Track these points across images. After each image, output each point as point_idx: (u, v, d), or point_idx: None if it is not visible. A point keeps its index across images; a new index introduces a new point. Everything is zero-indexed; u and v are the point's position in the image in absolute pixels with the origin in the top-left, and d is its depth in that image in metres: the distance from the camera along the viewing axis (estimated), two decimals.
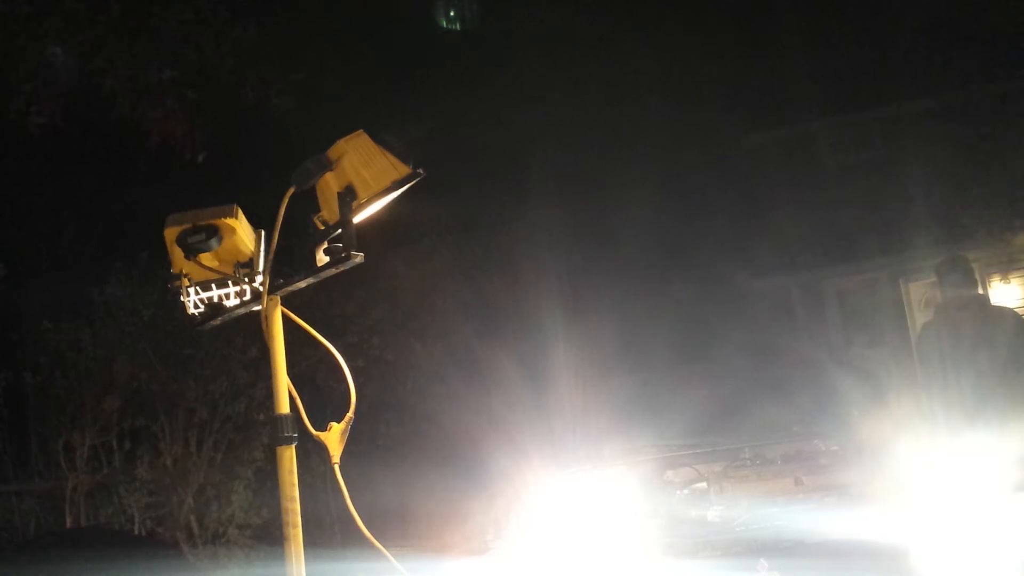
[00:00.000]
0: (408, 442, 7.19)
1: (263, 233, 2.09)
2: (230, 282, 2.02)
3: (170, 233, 1.98)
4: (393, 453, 7.01)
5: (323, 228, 2.00)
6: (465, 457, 6.09)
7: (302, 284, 2.02)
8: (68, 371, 6.18)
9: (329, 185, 1.97)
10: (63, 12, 5.76)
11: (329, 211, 1.99)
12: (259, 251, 2.07)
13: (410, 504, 6.21)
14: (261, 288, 1.99)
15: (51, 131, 5.94)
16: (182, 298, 2.01)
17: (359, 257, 1.92)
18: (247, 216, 2.07)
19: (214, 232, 1.97)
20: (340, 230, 1.94)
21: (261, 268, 2.04)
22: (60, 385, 6.17)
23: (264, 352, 2.46)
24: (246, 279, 2.02)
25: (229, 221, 1.98)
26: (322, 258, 2.00)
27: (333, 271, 1.96)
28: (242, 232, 2.02)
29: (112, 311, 6.39)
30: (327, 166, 1.95)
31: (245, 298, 2.03)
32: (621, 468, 4.08)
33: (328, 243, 1.97)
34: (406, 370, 7.39)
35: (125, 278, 6.42)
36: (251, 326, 2.11)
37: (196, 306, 2.02)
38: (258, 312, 2.01)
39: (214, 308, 2.03)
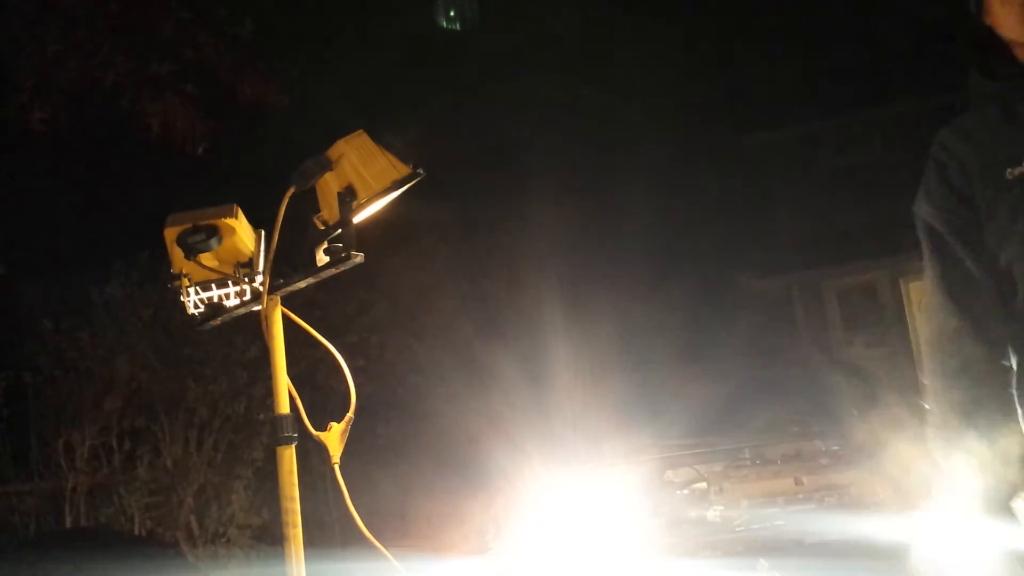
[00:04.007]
0: (408, 442, 7.19)
1: (263, 233, 2.10)
2: (230, 282, 2.02)
3: (170, 233, 1.98)
4: (393, 453, 7.01)
5: (323, 228, 2.00)
6: (465, 457, 6.09)
7: (302, 284, 2.02)
8: (68, 371, 6.18)
9: (329, 185, 1.97)
10: (63, 10, 5.77)
11: (329, 211, 1.99)
12: (259, 251, 2.07)
13: (410, 504, 6.21)
14: (261, 288, 1.99)
15: (53, 127, 5.95)
16: (182, 298, 2.02)
17: (359, 257, 1.92)
18: (247, 216, 2.07)
19: (214, 232, 1.97)
20: (340, 230, 1.95)
21: (261, 268, 2.04)
22: (60, 385, 6.17)
23: (264, 352, 2.47)
24: (246, 279, 2.02)
25: (229, 221, 1.98)
26: (322, 258, 2.00)
27: (333, 271, 1.96)
28: (242, 232, 2.02)
29: (112, 311, 6.39)
30: (327, 166, 1.95)
31: (245, 298, 2.03)
32: (621, 468, 4.08)
33: (328, 243, 1.98)
34: (406, 370, 7.39)
35: (125, 278, 6.42)
36: (251, 326, 2.11)
37: (196, 306, 2.02)
38: (258, 312, 2.01)
39: (214, 308, 2.04)
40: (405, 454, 7.02)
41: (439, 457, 6.63)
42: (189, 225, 1.97)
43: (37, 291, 6.91)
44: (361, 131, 1.97)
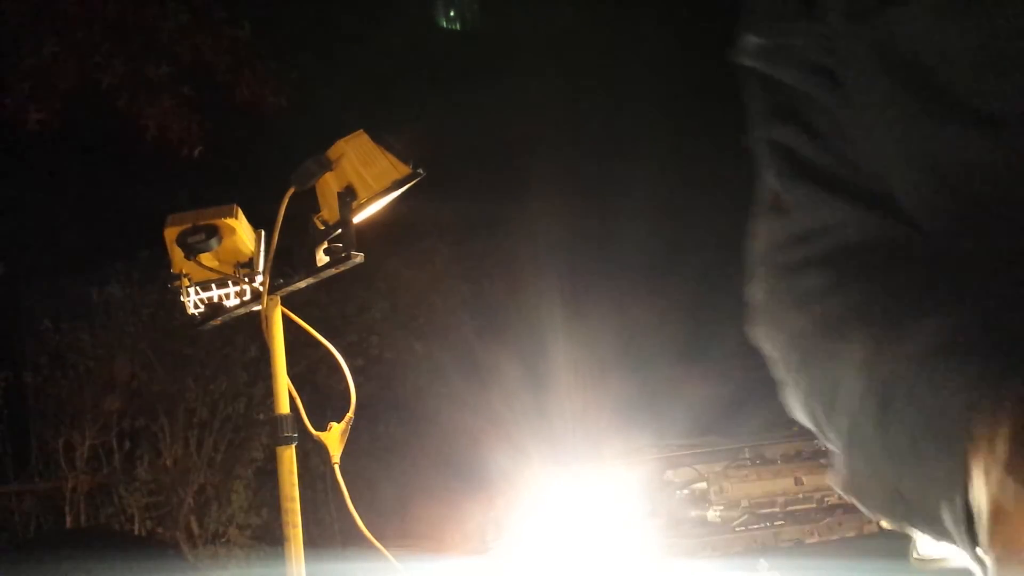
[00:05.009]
0: (408, 442, 7.19)
1: (263, 233, 2.10)
2: (230, 282, 2.02)
3: (170, 233, 1.98)
4: (393, 453, 7.01)
5: (323, 228, 2.00)
6: (465, 456, 6.09)
7: (302, 284, 2.02)
8: (68, 371, 6.18)
9: (329, 185, 1.97)
10: (60, 11, 5.78)
11: (329, 211, 1.99)
12: (259, 251, 2.07)
13: (410, 503, 6.21)
14: (261, 288, 1.99)
15: (50, 129, 5.96)
16: (182, 298, 2.02)
17: (359, 257, 1.93)
18: (247, 216, 2.07)
19: (214, 232, 1.97)
20: (340, 230, 1.95)
21: (261, 268, 2.04)
22: (60, 385, 6.17)
23: (264, 352, 2.47)
24: (246, 279, 2.02)
25: (229, 221, 1.99)
26: (322, 258, 2.00)
27: (333, 271, 1.96)
28: (242, 232, 2.02)
29: (112, 311, 6.39)
30: (327, 166, 1.95)
31: (245, 298, 2.03)
32: (621, 468, 4.08)
33: (328, 243, 1.98)
34: (406, 370, 7.40)
35: (125, 278, 6.42)
36: (251, 326, 2.11)
37: (196, 306, 2.03)
38: (258, 312, 2.01)
39: (214, 308, 2.04)
40: (405, 454, 7.02)
41: (439, 457, 6.63)
42: (189, 225, 1.97)
43: (37, 291, 6.92)
44: (361, 131, 1.98)
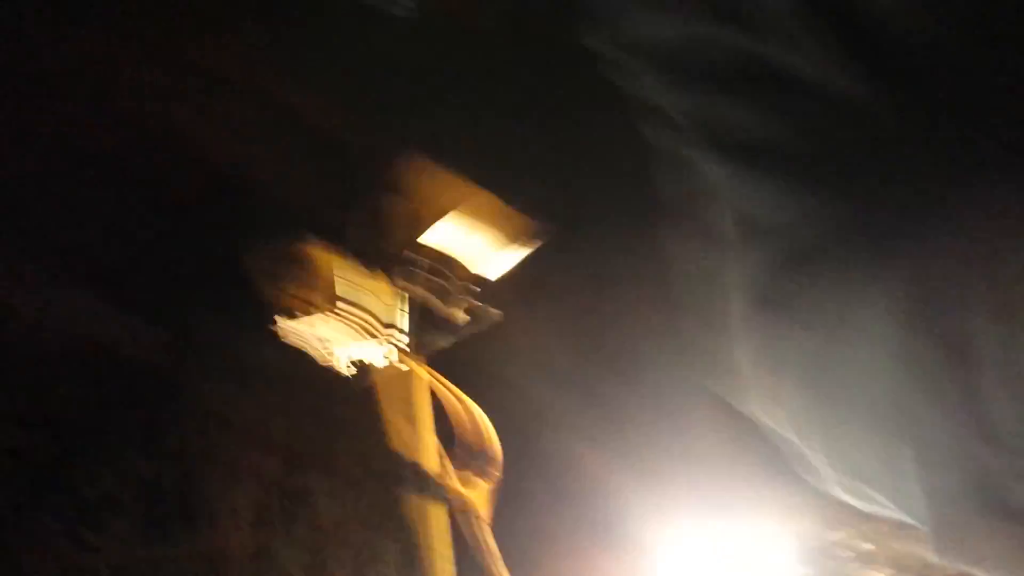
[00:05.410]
0: (535, 491, 7.08)
1: (407, 296, 2.16)
2: (375, 342, 2.09)
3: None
4: (519, 504, 6.90)
5: (459, 284, 2.04)
6: (597, 507, 5.91)
7: (444, 344, 2.06)
8: (229, 432, 6.57)
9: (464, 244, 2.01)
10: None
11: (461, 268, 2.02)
12: (401, 313, 2.13)
13: (540, 557, 6.05)
14: (407, 348, 2.05)
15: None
16: (330, 360, 2.10)
17: (497, 314, 1.94)
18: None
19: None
20: (478, 288, 1.98)
21: (406, 328, 2.10)
22: (221, 446, 6.56)
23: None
24: (392, 339, 2.08)
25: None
26: (462, 316, 2.03)
27: (473, 330, 1.99)
28: (382, 292, 2.09)
29: (267, 374, 6.76)
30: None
31: (391, 357, 2.09)
32: (774, 525, 3.84)
33: (467, 301, 2.01)
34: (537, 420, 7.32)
35: (277, 342, 6.79)
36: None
37: (348, 367, 2.10)
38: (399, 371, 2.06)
39: (363, 369, 2.11)
40: (532, 505, 6.87)
41: (570, 508, 6.45)
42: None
43: (200, 355, 7.42)
44: (482, 191, 2.00)
